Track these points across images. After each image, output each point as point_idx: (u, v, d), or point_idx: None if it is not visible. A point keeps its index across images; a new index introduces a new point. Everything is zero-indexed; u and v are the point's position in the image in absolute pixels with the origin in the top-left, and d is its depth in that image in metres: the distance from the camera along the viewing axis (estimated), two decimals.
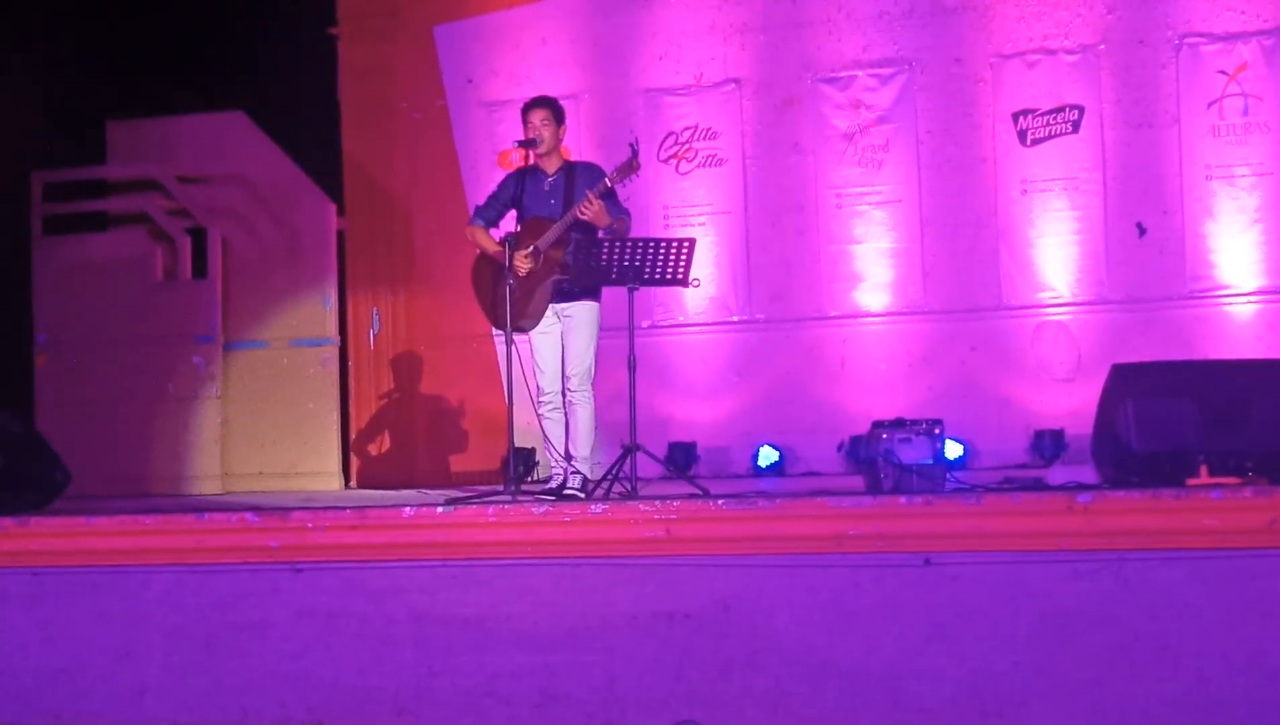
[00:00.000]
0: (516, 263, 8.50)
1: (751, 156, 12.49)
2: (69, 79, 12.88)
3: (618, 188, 8.60)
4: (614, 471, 8.40)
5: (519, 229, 8.70)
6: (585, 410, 8.66)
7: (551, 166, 8.80)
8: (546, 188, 8.75)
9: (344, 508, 7.70)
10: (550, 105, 8.84)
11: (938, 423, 8.07)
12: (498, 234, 8.77)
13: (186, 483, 12.46)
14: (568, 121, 8.96)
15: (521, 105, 8.94)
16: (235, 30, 13.15)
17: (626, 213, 8.75)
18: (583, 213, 8.39)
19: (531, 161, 8.85)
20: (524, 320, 8.64)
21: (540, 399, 8.78)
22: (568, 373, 8.69)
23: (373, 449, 13.04)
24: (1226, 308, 11.51)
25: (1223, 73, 11.51)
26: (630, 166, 8.41)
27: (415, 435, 13.06)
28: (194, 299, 12.68)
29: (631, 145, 8.52)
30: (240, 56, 13.07)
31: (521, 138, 8.85)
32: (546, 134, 8.74)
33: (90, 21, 13.15)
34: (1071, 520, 6.72)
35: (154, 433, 12.56)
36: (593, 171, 8.65)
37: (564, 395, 8.74)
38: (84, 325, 12.74)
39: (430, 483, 12.09)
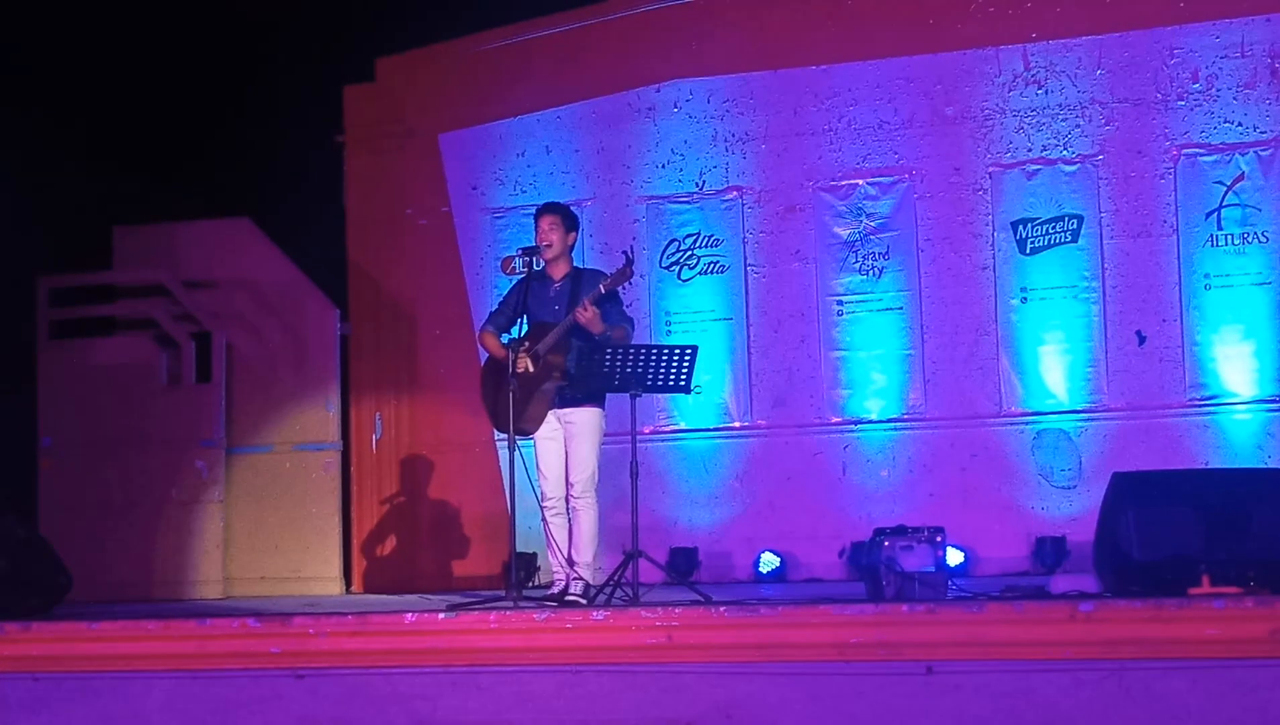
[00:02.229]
0: (518, 361, 8.57)
1: (753, 263, 12.57)
2: (75, 184, 12.97)
3: (622, 296, 8.68)
4: (616, 577, 8.42)
5: (525, 333, 8.79)
6: (589, 517, 8.69)
7: (559, 272, 8.89)
8: (552, 293, 8.83)
9: (346, 613, 7.70)
10: (559, 211, 8.95)
11: (939, 530, 8.08)
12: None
13: (189, 587, 12.45)
14: None
15: (534, 211, 9.06)
16: (242, 137, 13.27)
17: (629, 321, 8.83)
18: (578, 318, 8.47)
19: (540, 267, 8.92)
20: (525, 423, 8.68)
21: (544, 504, 8.82)
22: (570, 479, 8.72)
23: (375, 553, 13.02)
24: (1226, 416, 11.53)
25: (1220, 183, 11.60)
26: (623, 274, 8.50)
27: (417, 540, 13.05)
28: (198, 403, 12.73)
29: (625, 253, 8.62)
30: (246, 163, 13.19)
31: (525, 245, 8.97)
32: (554, 239, 8.83)
33: (97, 127, 13.27)
34: (1074, 629, 6.73)
35: (157, 537, 12.56)
36: (597, 278, 8.72)
37: (567, 501, 8.76)
38: (88, 429, 12.76)
39: (432, 587, 12.07)
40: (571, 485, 8.72)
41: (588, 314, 8.46)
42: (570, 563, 8.71)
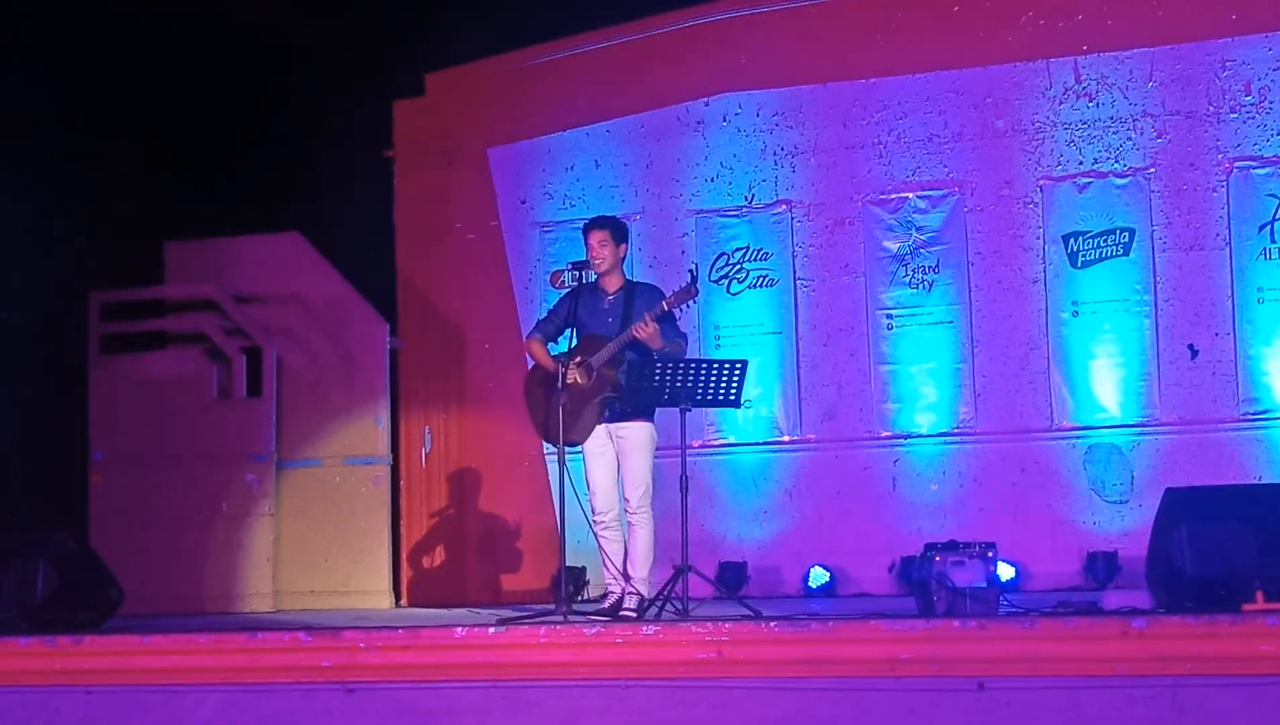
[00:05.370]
0: (569, 374, 8.58)
1: (802, 277, 12.55)
2: (127, 199, 13.05)
3: (675, 311, 8.69)
4: (666, 592, 8.41)
5: (575, 345, 8.79)
6: (645, 532, 8.68)
7: (612, 285, 8.89)
8: (605, 306, 8.83)
9: (396, 627, 7.70)
10: (609, 226, 8.94)
11: (991, 546, 8.04)
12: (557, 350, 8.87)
13: (238, 600, 12.50)
14: None
15: (582, 225, 9.07)
16: (292, 152, 13.32)
17: (683, 337, 8.85)
18: (638, 334, 8.47)
19: (592, 280, 8.93)
20: (573, 433, 8.68)
21: (594, 519, 8.80)
22: (626, 494, 8.71)
23: (424, 567, 13.04)
24: None
25: (1273, 196, 11.51)
26: (688, 292, 8.51)
27: (466, 553, 13.07)
28: (249, 417, 12.80)
29: (690, 271, 8.66)
30: (297, 178, 13.24)
31: (575, 259, 8.99)
32: (605, 254, 8.84)
33: (148, 143, 13.34)
34: (1126, 645, 6.67)
35: (207, 550, 12.63)
36: (652, 293, 8.74)
37: (624, 515, 8.75)
38: (139, 443, 12.85)
39: (481, 601, 12.08)
40: (627, 500, 8.72)
41: (649, 330, 8.46)
42: (625, 578, 8.71)
